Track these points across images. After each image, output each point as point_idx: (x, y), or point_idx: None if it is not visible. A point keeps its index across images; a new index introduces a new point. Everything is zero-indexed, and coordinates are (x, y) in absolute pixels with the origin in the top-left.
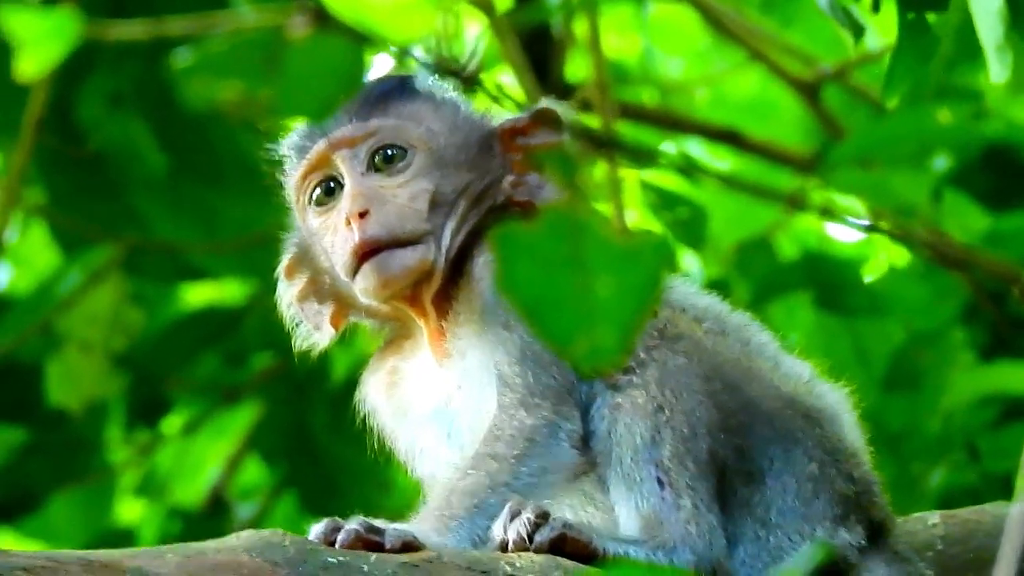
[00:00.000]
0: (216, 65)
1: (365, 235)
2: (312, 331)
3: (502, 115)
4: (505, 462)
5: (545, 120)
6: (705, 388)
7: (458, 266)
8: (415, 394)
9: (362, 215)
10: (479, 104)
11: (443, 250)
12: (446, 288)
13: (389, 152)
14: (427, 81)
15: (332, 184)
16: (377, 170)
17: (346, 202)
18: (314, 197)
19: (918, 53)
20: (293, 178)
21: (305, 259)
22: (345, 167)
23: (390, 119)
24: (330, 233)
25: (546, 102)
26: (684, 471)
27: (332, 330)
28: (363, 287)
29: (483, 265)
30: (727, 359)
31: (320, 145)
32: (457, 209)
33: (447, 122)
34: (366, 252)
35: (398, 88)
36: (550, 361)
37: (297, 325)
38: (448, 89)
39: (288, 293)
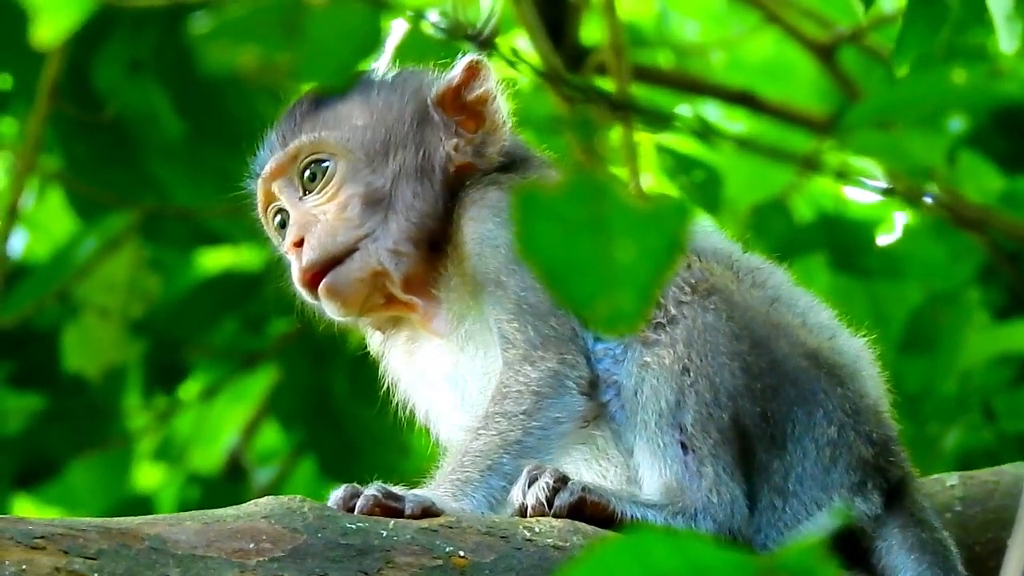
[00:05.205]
0: (234, 30)
1: (302, 263)
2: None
3: (437, 79)
4: (515, 419)
5: (475, 71)
6: (733, 349)
7: (443, 236)
8: (429, 361)
9: (298, 244)
10: (420, 71)
11: (394, 242)
12: (432, 262)
13: (312, 170)
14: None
15: (284, 215)
16: (308, 191)
17: (288, 233)
18: (276, 229)
19: (928, 21)
20: (259, 216)
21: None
22: (283, 197)
23: (305, 135)
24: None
25: (470, 54)
26: (708, 437)
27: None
28: (330, 314)
29: (466, 228)
30: (757, 315)
31: (259, 181)
32: (398, 196)
33: (370, 111)
34: (310, 279)
35: (313, 100)
36: (547, 311)
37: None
38: (377, 71)
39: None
